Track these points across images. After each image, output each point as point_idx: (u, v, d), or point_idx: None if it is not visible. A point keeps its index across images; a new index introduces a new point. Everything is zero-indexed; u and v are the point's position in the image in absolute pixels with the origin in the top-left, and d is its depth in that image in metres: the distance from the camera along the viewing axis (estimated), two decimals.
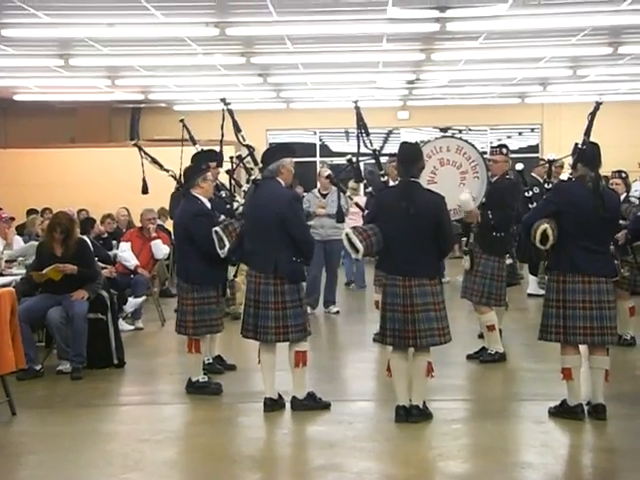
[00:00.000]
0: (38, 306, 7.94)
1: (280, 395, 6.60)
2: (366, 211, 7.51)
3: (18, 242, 10.84)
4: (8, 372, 6.57)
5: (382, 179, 7.91)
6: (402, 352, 6.20)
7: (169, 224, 10.88)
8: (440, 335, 6.08)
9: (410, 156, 6.18)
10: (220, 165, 7.57)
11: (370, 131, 7.50)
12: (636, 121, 19.27)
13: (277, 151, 6.78)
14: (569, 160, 6.45)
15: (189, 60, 13.03)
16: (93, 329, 8.05)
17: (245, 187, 7.36)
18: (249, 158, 7.35)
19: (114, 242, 11.90)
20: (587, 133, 6.21)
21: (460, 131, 19.89)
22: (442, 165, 7.69)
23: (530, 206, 6.83)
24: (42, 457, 5.71)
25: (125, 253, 10.69)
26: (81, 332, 7.89)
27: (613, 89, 17.34)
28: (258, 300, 6.45)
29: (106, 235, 12.05)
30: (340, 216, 8.25)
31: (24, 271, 8.92)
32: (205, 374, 7.25)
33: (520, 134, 20.96)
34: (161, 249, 10.91)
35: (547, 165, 7.47)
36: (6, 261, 9.54)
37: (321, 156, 20.38)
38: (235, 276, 8.17)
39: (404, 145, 6.36)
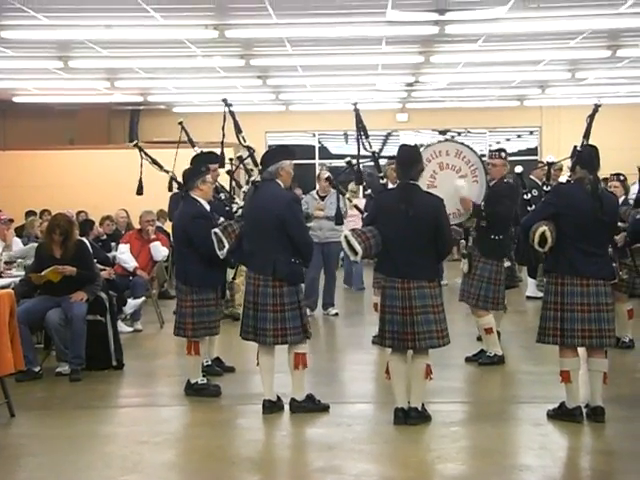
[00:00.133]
0: (37, 308, 7.94)
1: (279, 397, 6.60)
2: (365, 213, 7.52)
3: (17, 244, 10.84)
4: (7, 374, 6.57)
5: (381, 181, 7.93)
6: (401, 354, 6.20)
7: (168, 226, 10.88)
8: (439, 337, 6.08)
9: (409, 158, 6.19)
10: (222, 166, 7.57)
11: (369, 133, 7.51)
12: (635, 124, 19.29)
13: (277, 153, 6.78)
14: (568, 163, 6.45)
15: (188, 62, 13.04)
16: (92, 331, 8.04)
17: (245, 188, 7.36)
18: (249, 159, 7.35)
19: (113, 244, 11.90)
20: (586, 135, 6.22)
21: (459, 133, 19.93)
22: (441, 169, 7.70)
23: (529, 209, 6.84)
24: (41, 459, 5.70)
25: (124, 255, 10.69)
26: (80, 334, 7.89)
27: (612, 92, 17.35)
28: (257, 302, 6.45)
29: (105, 237, 12.06)
30: (339, 218, 8.26)
31: (23, 273, 8.92)
32: (204, 376, 7.25)
33: (519, 137, 20.98)
34: (160, 251, 10.92)
35: (546, 168, 7.48)
36: (5, 262, 9.54)
37: (320, 158, 20.38)
38: (234, 278, 8.18)
39: (403, 147, 6.36)
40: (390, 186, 8.01)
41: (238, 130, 7.30)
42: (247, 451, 5.85)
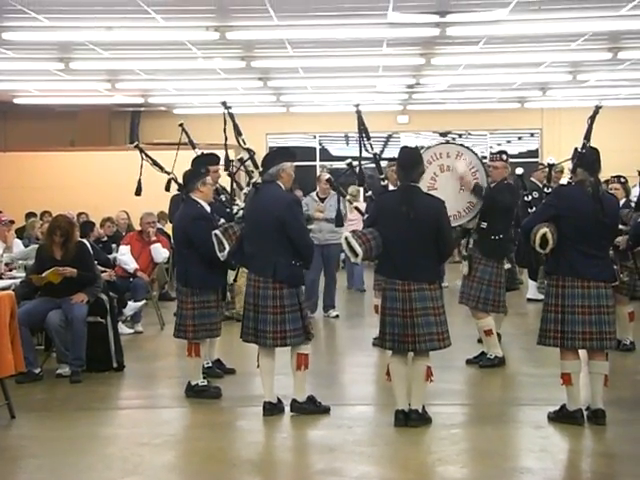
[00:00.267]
0: (38, 309, 7.94)
1: (279, 399, 6.60)
2: (366, 215, 7.52)
3: (18, 245, 10.83)
4: (7, 375, 6.57)
5: (382, 183, 7.93)
6: (401, 356, 6.20)
7: (168, 228, 10.88)
8: (439, 340, 6.08)
9: (410, 161, 6.19)
10: (227, 168, 7.55)
11: (370, 135, 7.51)
12: (636, 126, 19.28)
13: (278, 155, 6.78)
14: (569, 165, 6.45)
15: (189, 64, 13.05)
16: (92, 332, 8.04)
17: (246, 190, 7.36)
18: (249, 162, 7.35)
19: (114, 245, 11.90)
20: (587, 137, 6.22)
21: (460, 135, 19.93)
22: (442, 171, 7.71)
23: (529, 210, 6.84)
24: (41, 461, 5.70)
25: (124, 256, 10.68)
26: (80, 335, 7.88)
27: (613, 94, 17.35)
28: (257, 304, 6.45)
29: (106, 238, 12.05)
30: (339, 220, 8.26)
31: (24, 274, 8.91)
32: (204, 378, 7.25)
33: (520, 139, 20.97)
34: (161, 253, 10.92)
35: (546, 170, 7.48)
36: (6, 264, 9.54)
37: (321, 160, 20.38)
38: (235, 280, 8.17)
39: (404, 149, 6.36)
40: (391, 188, 8.01)
41: (238, 132, 7.30)
42: (247, 453, 5.84)
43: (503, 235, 7.94)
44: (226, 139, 7.41)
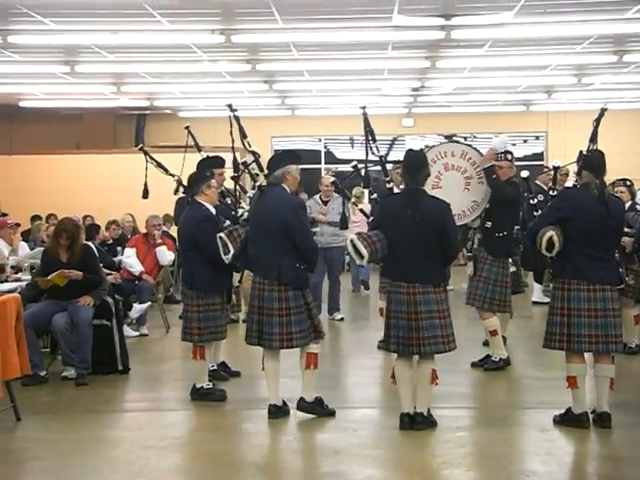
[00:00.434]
0: (43, 312, 7.95)
1: (284, 402, 6.59)
2: (371, 218, 7.52)
3: (23, 248, 10.86)
4: (13, 378, 6.57)
5: (387, 185, 7.93)
6: (407, 359, 6.19)
7: (174, 230, 10.90)
8: (444, 343, 6.07)
9: (416, 164, 6.18)
10: (236, 170, 7.55)
11: (376, 137, 7.51)
12: None
13: (283, 157, 6.78)
14: (574, 168, 6.45)
15: (194, 67, 13.07)
16: (98, 335, 8.05)
17: (250, 193, 7.37)
18: (254, 164, 7.36)
19: (119, 248, 11.91)
20: (592, 139, 6.21)
21: (465, 138, 19.88)
22: (447, 170, 7.72)
23: (535, 214, 6.83)
24: (46, 463, 5.71)
25: (130, 259, 10.69)
26: (86, 338, 7.89)
27: (618, 97, 17.33)
28: (262, 306, 6.45)
29: (111, 241, 12.06)
30: (344, 223, 8.26)
31: (30, 277, 8.93)
32: (210, 381, 7.25)
33: (525, 142, 20.95)
34: (166, 255, 10.93)
35: (551, 173, 7.48)
36: (12, 267, 9.55)
37: (326, 163, 20.39)
38: (240, 282, 8.18)
39: (410, 153, 6.35)
40: (396, 190, 8.02)
41: (243, 135, 7.31)
42: (253, 456, 5.84)
43: (507, 232, 7.94)
44: (233, 142, 7.42)
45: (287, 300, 6.39)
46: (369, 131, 7.42)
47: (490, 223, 7.87)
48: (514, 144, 20.56)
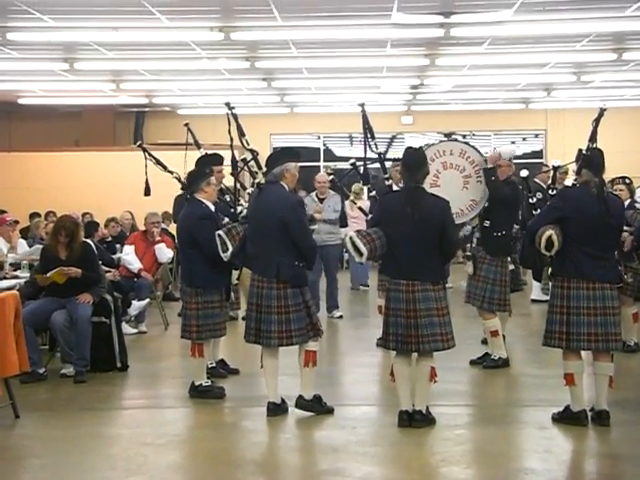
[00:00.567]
0: (42, 309, 7.95)
1: (283, 399, 6.59)
2: (370, 215, 7.52)
3: (22, 245, 10.86)
4: (12, 375, 6.57)
5: (386, 182, 7.93)
6: (405, 357, 6.20)
7: (173, 228, 10.89)
8: (443, 341, 6.07)
9: (415, 162, 6.18)
10: (235, 168, 7.56)
11: (375, 134, 7.51)
12: None
13: (282, 155, 6.77)
14: (573, 166, 6.44)
15: (194, 64, 13.06)
16: (97, 332, 8.05)
17: (250, 190, 7.37)
18: (253, 162, 7.36)
19: (118, 246, 11.91)
20: (592, 139, 6.20)
21: (464, 136, 19.85)
22: (445, 168, 7.71)
23: (534, 212, 6.84)
24: (45, 461, 5.71)
25: (129, 256, 10.69)
26: (85, 335, 7.89)
27: (617, 95, 17.33)
28: (260, 304, 6.45)
29: (110, 239, 12.05)
30: (344, 220, 8.26)
31: (28, 274, 8.93)
32: (208, 378, 7.25)
33: (524, 140, 20.95)
34: (165, 253, 10.93)
35: (550, 171, 7.48)
36: (10, 264, 9.55)
37: (325, 161, 20.38)
38: (239, 279, 8.17)
39: (409, 151, 6.34)
40: (395, 188, 8.01)
41: (241, 133, 7.31)
42: (251, 453, 5.84)
43: (506, 231, 7.95)
44: (231, 140, 7.42)
45: (286, 298, 6.39)
46: (368, 128, 7.41)
47: (489, 222, 7.87)
48: (513, 142, 20.59)
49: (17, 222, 11.51)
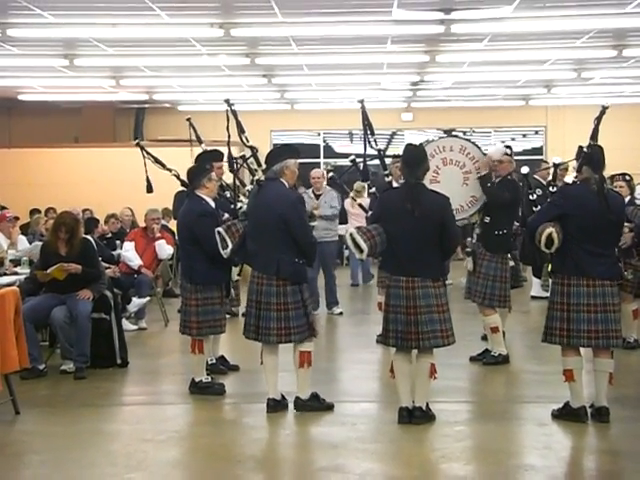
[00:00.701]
0: (42, 305, 7.96)
1: (283, 396, 6.60)
2: (369, 212, 7.52)
3: (22, 241, 10.86)
4: (12, 371, 6.57)
5: (386, 179, 7.93)
6: (405, 353, 6.20)
7: (173, 224, 10.89)
8: (443, 337, 6.08)
9: (415, 158, 6.17)
10: (231, 166, 7.57)
11: (374, 131, 7.51)
12: None
13: (281, 152, 6.77)
14: (574, 163, 6.44)
15: (193, 61, 13.05)
16: (97, 329, 8.06)
17: (249, 187, 7.37)
18: (252, 159, 7.36)
19: (118, 242, 11.91)
20: (593, 137, 6.18)
21: (464, 133, 19.89)
22: (445, 165, 7.71)
23: (534, 209, 6.83)
24: (45, 456, 5.71)
25: (129, 253, 10.69)
26: (85, 332, 7.89)
27: (617, 92, 17.32)
28: (260, 301, 6.45)
29: (110, 235, 12.06)
30: (343, 217, 8.26)
31: (28, 270, 8.93)
32: (208, 374, 7.26)
33: (524, 136, 20.95)
34: (165, 249, 10.93)
35: (550, 168, 7.48)
36: (10, 260, 9.55)
37: (325, 157, 20.38)
38: (239, 276, 8.18)
39: (409, 147, 6.34)
40: (395, 185, 8.01)
41: (241, 130, 7.31)
42: (251, 450, 5.84)
43: (507, 230, 7.94)
44: (229, 137, 7.42)
45: (285, 295, 6.39)
46: (367, 125, 7.41)
47: (489, 218, 7.86)
48: (513, 138, 20.60)
49: (17, 218, 11.52)
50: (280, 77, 15.02)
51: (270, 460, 5.72)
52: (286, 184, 6.55)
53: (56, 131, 18.92)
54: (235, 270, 7.67)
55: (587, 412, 6.12)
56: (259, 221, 6.51)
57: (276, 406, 6.50)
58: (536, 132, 20.70)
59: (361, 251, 6.05)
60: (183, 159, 7.73)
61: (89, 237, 8.97)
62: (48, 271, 7.95)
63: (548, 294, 6.55)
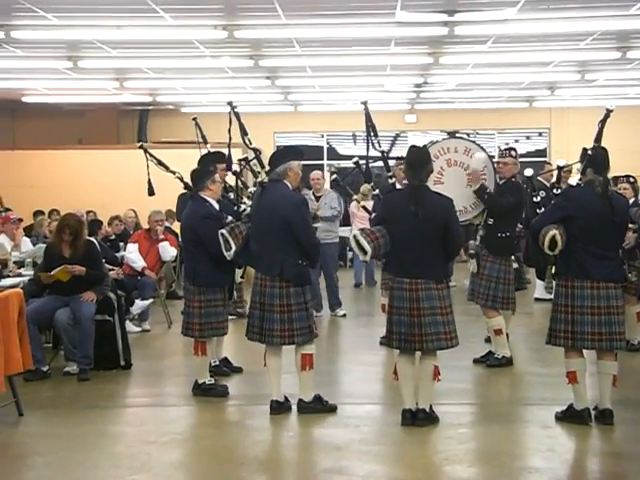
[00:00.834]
0: (46, 307, 7.96)
1: (286, 397, 6.60)
2: (373, 214, 7.51)
3: (26, 243, 10.86)
4: (15, 373, 6.58)
5: (389, 181, 7.93)
6: (409, 355, 6.19)
7: (176, 226, 10.90)
8: (447, 339, 6.07)
9: (419, 160, 6.17)
10: (229, 168, 7.59)
11: (377, 132, 7.50)
12: None
13: (285, 153, 6.77)
14: (578, 166, 6.43)
15: (197, 62, 13.05)
16: (100, 331, 8.06)
17: (252, 189, 7.38)
18: (255, 161, 7.37)
19: (121, 244, 11.92)
20: (597, 140, 6.17)
21: (468, 135, 19.88)
22: (449, 166, 7.71)
23: (538, 211, 6.82)
24: (48, 458, 5.71)
25: (132, 254, 10.70)
26: (88, 333, 7.90)
27: (621, 93, 17.31)
28: (264, 303, 6.45)
29: (113, 237, 12.07)
30: (346, 219, 8.26)
31: (32, 272, 8.94)
32: (211, 376, 7.26)
33: (528, 138, 20.94)
34: (168, 251, 10.93)
35: (554, 170, 7.46)
36: (14, 262, 9.55)
37: (328, 159, 20.38)
38: (242, 278, 8.18)
39: (413, 149, 6.33)
40: (398, 186, 8.01)
41: (244, 132, 7.31)
42: (254, 451, 5.84)
43: (510, 233, 7.93)
44: (230, 139, 7.44)
45: (288, 297, 6.39)
46: (370, 126, 7.40)
47: (492, 220, 7.85)
48: (517, 140, 20.58)
49: (21, 220, 11.52)
50: (283, 79, 15.02)
51: (273, 462, 5.72)
52: (289, 186, 6.55)
53: (60, 133, 18.94)
54: (238, 272, 7.68)
55: (591, 414, 6.11)
56: (262, 223, 6.52)
57: (279, 408, 6.50)
58: (540, 134, 20.68)
59: (365, 253, 6.05)
60: (188, 161, 7.73)
61: (93, 239, 8.98)
62: (52, 273, 7.95)
63: (552, 296, 6.55)
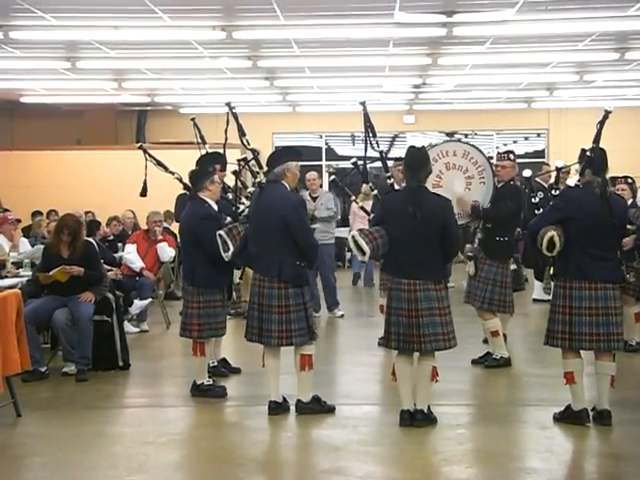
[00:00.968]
0: (44, 308, 7.96)
1: (285, 398, 6.60)
2: (372, 215, 7.52)
3: (24, 244, 10.86)
4: (13, 373, 6.57)
5: (388, 181, 7.92)
6: (407, 356, 6.20)
7: (175, 227, 10.90)
8: (445, 340, 6.07)
9: (417, 161, 6.16)
10: (224, 169, 7.59)
11: (376, 132, 7.50)
12: None
13: (283, 154, 6.77)
14: (576, 166, 6.43)
15: (196, 63, 13.06)
16: (98, 331, 8.06)
17: (251, 189, 7.38)
18: (254, 162, 7.37)
19: (120, 244, 11.92)
20: (596, 141, 6.17)
21: (466, 135, 19.91)
22: (448, 169, 7.70)
23: (536, 212, 6.82)
24: (46, 459, 5.71)
25: (131, 255, 10.70)
26: (86, 334, 7.90)
27: (619, 95, 17.32)
28: (262, 303, 6.45)
29: (112, 237, 12.07)
30: (345, 220, 8.26)
31: (30, 273, 8.93)
32: (210, 377, 7.26)
33: (526, 139, 20.94)
34: (167, 252, 10.93)
35: (552, 171, 7.47)
36: (12, 263, 9.55)
37: (327, 160, 20.38)
38: (241, 279, 8.18)
39: (411, 150, 6.32)
40: (397, 187, 8.01)
41: (242, 133, 7.31)
42: (253, 452, 5.84)
43: (508, 237, 7.93)
44: (226, 139, 7.44)
45: (287, 298, 6.39)
46: (369, 126, 7.41)
47: (491, 224, 7.84)
48: (515, 141, 20.60)
49: (19, 221, 11.52)
50: (282, 80, 15.02)
51: (272, 463, 5.72)
52: (288, 186, 6.56)
53: (58, 133, 18.93)
54: (237, 273, 7.67)
55: (589, 415, 6.11)
56: (260, 224, 6.51)
57: (278, 408, 6.50)
58: (538, 135, 20.69)
59: (363, 253, 6.06)
60: (186, 162, 7.74)
61: (91, 239, 8.97)
62: (50, 273, 7.95)
63: (550, 297, 6.54)
